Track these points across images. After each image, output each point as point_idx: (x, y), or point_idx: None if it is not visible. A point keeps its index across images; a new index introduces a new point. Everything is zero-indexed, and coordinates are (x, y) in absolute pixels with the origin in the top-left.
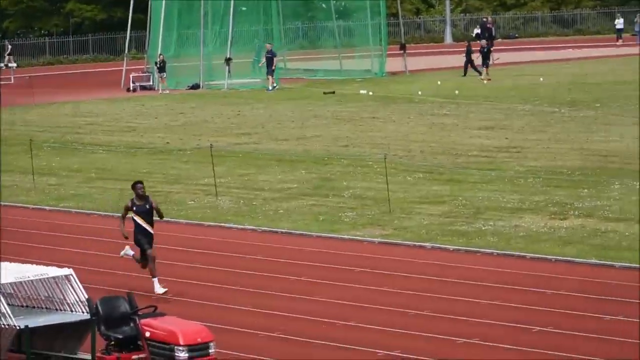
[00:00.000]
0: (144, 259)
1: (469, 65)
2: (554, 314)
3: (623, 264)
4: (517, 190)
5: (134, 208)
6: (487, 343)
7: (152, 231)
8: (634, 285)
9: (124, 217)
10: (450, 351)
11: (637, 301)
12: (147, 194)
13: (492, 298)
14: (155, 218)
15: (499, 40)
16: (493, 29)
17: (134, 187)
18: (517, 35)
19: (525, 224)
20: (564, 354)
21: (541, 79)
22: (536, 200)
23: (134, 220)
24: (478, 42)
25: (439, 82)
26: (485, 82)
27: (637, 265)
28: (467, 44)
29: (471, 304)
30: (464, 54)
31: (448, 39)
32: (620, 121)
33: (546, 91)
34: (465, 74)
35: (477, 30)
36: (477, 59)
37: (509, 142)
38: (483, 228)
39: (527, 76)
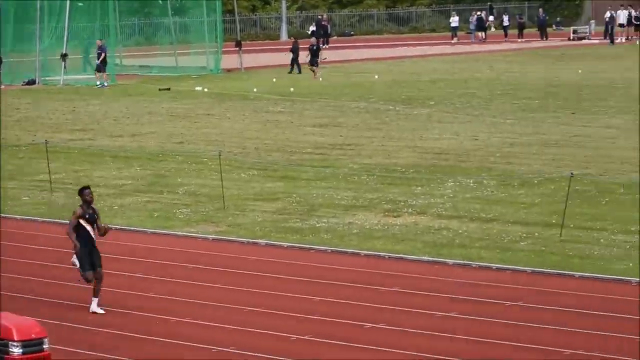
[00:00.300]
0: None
1: (293, 62)
2: (387, 310)
3: (456, 260)
4: (351, 188)
5: (86, 216)
6: (320, 340)
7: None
8: (463, 282)
9: (75, 227)
10: (284, 347)
11: (468, 298)
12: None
13: (326, 295)
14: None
15: (335, 37)
16: (329, 26)
17: (81, 193)
18: (352, 32)
19: (359, 221)
20: (396, 351)
21: (376, 76)
22: (370, 197)
23: (83, 230)
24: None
25: (274, 79)
26: (320, 79)
27: (469, 262)
28: (293, 41)
29: (305, 300)
30: (290, 51)
31: (284, 36)
32: (453, 119)
33: (381, 89)
34: (300, 72)
35: (312, 28)
36: (307, 57)
37: (343, 140)
38: (317, 225)
39: (362, 74)
